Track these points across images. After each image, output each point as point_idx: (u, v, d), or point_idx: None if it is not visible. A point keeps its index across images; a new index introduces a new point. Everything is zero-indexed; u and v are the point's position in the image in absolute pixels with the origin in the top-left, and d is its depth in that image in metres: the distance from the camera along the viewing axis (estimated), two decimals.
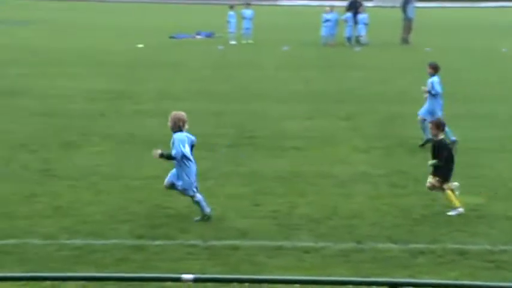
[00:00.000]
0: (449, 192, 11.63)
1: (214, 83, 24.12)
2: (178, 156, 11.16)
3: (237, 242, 10.44)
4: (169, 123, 11.37)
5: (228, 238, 10.59)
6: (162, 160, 14.65)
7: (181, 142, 11.17)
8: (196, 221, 11.18)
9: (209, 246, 10.28)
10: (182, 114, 11.43)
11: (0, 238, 10.30)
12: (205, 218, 11.22)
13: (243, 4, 39.12)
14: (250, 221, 11.34)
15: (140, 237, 10.53)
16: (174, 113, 11.50)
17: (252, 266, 9.64)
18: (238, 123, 18.07)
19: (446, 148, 11.73)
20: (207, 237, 10.56)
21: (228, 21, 36.27)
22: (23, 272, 8.91)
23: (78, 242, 10.28)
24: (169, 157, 11.28)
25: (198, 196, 11.27)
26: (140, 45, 33.57)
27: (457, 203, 11.62)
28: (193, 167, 11.26)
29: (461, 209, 11.61)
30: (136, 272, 8.99)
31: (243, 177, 13.58)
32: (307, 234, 10.86)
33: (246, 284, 5.86)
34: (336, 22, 35.52)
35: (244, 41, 35.83)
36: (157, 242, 10.36)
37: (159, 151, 11.34)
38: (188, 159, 11.21)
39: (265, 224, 11.23)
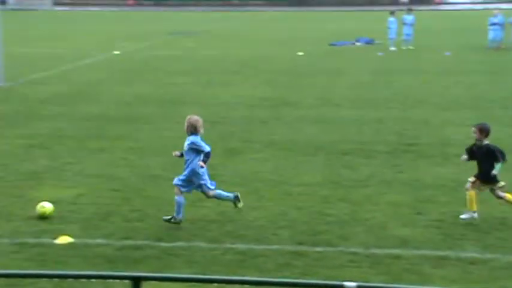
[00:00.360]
0: (471, 193, 11.32)
1: (374, 89, 23.90)
2: (210, 150, 11.12)
3: (398, 251, 10.27)
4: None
5: (390, 246, 10.45)
6: (319, 167, 14.72)
7: (203, 141, 11.15)
8: (164, 219, 11.19)
9: (370, 254, 10.18)
10: (196, 119, 11.22)
11: (170, 241, 10.74)
12: (175, 221, 11.15)
13: (404, 10, 38.52)
14: (412, 229, 11.12)
15: (301, 243, 10.61)
16: (188, 117, 11.43)
17: (416, 276, 9.44)
18: (399, 130, 17.80)
19: (498, 151, 11.28)
20: (368, 245, 10.47)
21: (389, 28, 35.84)
22: (190, 274, 9.25)
23: (241, 246, 10.51)
24: (207, 156, 11.17)
25: (182, 198, 11.16)
26: (300, 53, 33.91)
27: (474, 207, 11.28)
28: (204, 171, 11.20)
29: (475, 214, 11.24)
30: (298, 278, 9.06)
31: (404, 184, 13.36)
32: (473, 244, 10.49)
33: None
34: (503, 25, 34.15)
35: (404, 47, 35.25)
36: (317, 249, 10.39)
37: (201, 162, 11.21)
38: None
39: (428, 233, 10.97)
